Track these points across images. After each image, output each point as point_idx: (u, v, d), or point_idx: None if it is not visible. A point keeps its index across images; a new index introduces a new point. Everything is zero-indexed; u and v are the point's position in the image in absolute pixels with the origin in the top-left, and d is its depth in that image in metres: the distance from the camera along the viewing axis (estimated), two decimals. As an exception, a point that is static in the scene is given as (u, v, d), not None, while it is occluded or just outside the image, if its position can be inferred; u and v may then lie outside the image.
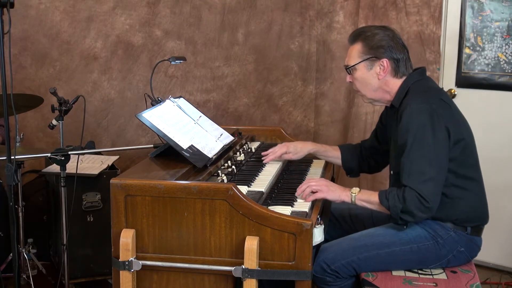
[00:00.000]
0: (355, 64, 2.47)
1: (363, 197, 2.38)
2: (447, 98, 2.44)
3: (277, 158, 2.81)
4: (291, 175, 2.79)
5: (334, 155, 2.87)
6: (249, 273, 2.09)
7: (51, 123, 3.07)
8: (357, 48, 2.47)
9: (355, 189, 2.40)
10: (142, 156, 3.80)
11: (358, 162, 2.83)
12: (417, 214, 2.26)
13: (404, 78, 2.46)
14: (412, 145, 2.29)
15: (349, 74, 2.52)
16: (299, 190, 2.42)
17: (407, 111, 2.35)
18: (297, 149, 2.82)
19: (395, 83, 2.46)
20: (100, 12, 4.03)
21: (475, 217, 2.44)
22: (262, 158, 2.82)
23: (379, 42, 2.43)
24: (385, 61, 2.43)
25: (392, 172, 2.55)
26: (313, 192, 2.40)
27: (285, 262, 2.11)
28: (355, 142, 4.08)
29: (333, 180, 3.04)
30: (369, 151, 2.81)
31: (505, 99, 3.64)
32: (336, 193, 2.41)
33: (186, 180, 2.27)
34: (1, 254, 3.32)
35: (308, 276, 2.11)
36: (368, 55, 2.44)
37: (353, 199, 2.38)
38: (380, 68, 2.44)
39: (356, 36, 2.49)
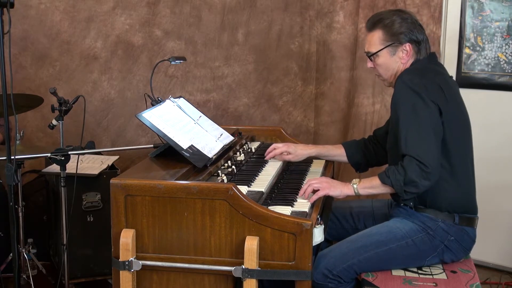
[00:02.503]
0: (378, 51, 2.48)
1: (365, 184, 2.39)
2: (442, 83, 2.42)
3: (277, 155, 2.81)
4: (291, 175, 2.79)
5: (338, 153, 2.86)
6: (249, 273, 2.09)
7: (51, 123, 3.07)
8: (378, 35, 2.48)
9: (355, 180, 2.40)
10: (142, 156, 3.80)
11: (364, 155, 2.83)
12: (419, 182, 2.26)
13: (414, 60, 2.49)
14: (406, 114, 2.32)
15: (370, 60, 2.53)
16: (301, 192, 2.42)
17: (398, 82, 2.39)
18: (297, 151, 2.82)
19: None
20: (100, 12, 4.03)
21: (460, 204, 2.43)
22: (264, 155, 2.83)
23: (399, 28, 2.45)
24: (407, 46, 2.46)
25: (387, 152, 2.56)
26: (314, 191, 2.40)
27: (285, 262, 2.11)
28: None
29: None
30: (381, 138, 2.78)
31: (505, 99, 3.64)
32: (337, 188, 2.41)
33: (186, 180, 2.27)
34: (1, 254, 3.32)
35: (308, 276, 2.11)
36: (390, 42, 2.46)
37: (356, 191, 2.39)
38: (403, 53, 2.47)
39: (375, 23, 2.49)
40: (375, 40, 2.49)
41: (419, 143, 2.28)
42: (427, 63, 2.49)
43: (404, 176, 2.27)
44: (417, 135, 2.29)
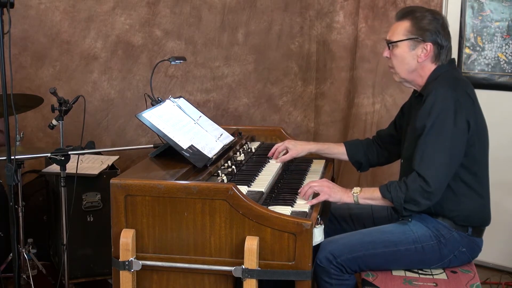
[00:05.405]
0: (399, 41, 2.44)
1: (366, 195, 2.38)
2: (472, 93, 2.42)
3: (279, 153, 2.83)
4: (291, 175, 2.79)
5: (339, 151, 2.85)
6: (249, 273, 2.09)
7: (51, 123, 3.07)
8: (404, 25, 2.43)
9: (357, 189, 2.39)
10: (142, 156, 3.80)
11: (365, 154, 2.81)
12: (420, 202, 2.27)
13: (436, 66, 2.45)
14: (431, 129, 2.29)
15: (389, 49, 2.49)
16: (302, 192, 2.41)
17: (432, 95, 2.33)
18: (297, 146, 2.82)
19: (430, 69, 2.45)
20: (100, 12, 4.03)
21: (476, 218, 2.43)
22: (268, 157, 2.85)
23: (427, 25, 2.40)
24: (429, 45, 2.41)
25: (402, 160, 2.55)
26: (315, 194, 2.40)
27: (285, 262, 2.11)
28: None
29: (333, 179, 3.04)
30: (384, 140, 2.78)
31: (505, 99, 3.64)
32: (338, 194, 2.40)
33: (186, 180, 2.27)
34: (1, 254, 3.32)
35: (308, 276, 2.11)
36: (415, 35, 2.42)
37: (355, 199, 2.38)
38: (422, 51, 2.42)
39: (406, 14, 2.46)
40: (400, 30, 2.44)
41: (432, 164, 2.27)
42: (449, 68, 2.45)
43: (406, 193, 2.27)
44: (432, 155, 2.28)
